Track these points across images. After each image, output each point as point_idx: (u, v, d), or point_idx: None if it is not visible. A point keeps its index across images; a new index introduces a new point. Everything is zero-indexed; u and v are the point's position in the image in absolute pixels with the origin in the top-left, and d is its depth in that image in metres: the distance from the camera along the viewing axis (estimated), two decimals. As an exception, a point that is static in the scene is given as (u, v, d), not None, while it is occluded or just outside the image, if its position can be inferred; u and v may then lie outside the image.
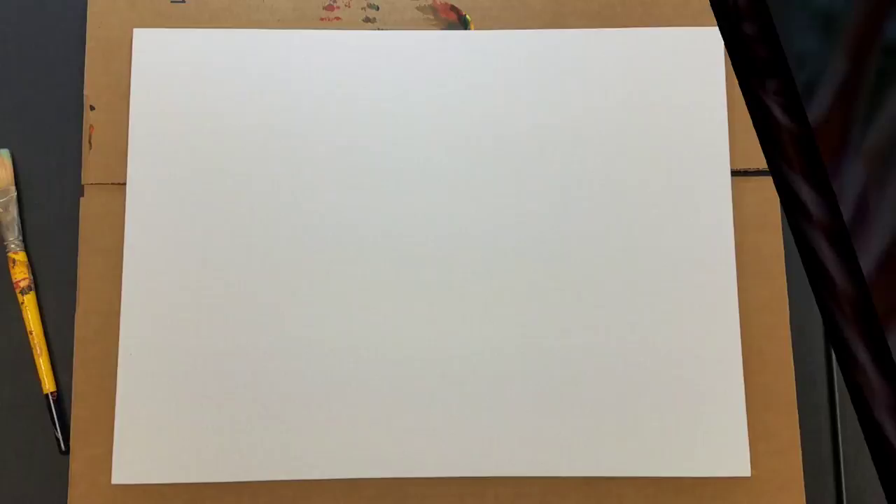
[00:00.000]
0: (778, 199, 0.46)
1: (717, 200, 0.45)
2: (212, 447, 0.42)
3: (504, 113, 0.46)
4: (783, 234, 0.45)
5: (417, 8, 0.48)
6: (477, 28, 0.47)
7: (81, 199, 0.45)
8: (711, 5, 0.22)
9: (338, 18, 0.47)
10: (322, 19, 0.47)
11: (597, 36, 0.47)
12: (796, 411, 0.44)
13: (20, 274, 0.44)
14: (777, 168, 0.22)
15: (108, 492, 0.42)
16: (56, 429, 0.44)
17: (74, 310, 0.44)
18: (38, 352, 0.44)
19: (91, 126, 0.45)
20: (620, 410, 0.43)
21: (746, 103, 0.22)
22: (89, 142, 0.45)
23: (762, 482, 0.43)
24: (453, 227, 0.44)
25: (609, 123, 0.45)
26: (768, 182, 0.46)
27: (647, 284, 0.44)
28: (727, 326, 0.44)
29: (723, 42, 0.46)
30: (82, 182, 0.45)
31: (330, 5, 0.47)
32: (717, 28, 0.46)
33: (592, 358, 0.43)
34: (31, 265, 0.45)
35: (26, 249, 0.45)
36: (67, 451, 0.43)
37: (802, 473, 0.43)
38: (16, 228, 0.45)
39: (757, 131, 0.22)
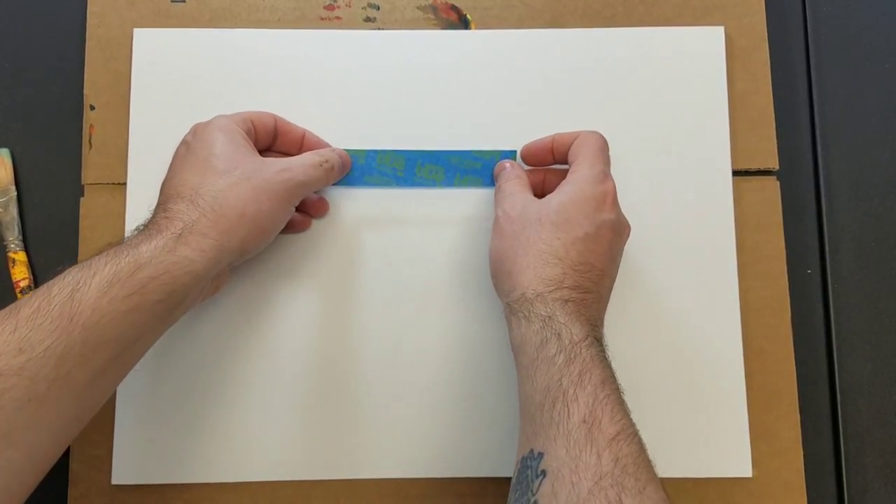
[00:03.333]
0: (779, 199, 0.46)
1: (718, 200, 0.45)
2: (212, 447, 0.42)
3: (504, 112, 0.46)
4: (784, 233, 0.45)
5: (418, 7, 0.47)
6: (477, 27, 0.47)
7: (81, 199, 0.45)
8: None
9: (338, 18, 0.47)
10: (322, 19, 0.47)
11: (597, 35, 0.46)
12: (798, 412, 0.44)
13: (20, 274, 0.44)
14: None
15: (108, 492, 0.42)
16: (56, 429, 0.44)
17: (74, 310, 0.44)
18: (38, 352, 0.44)
19: (91, 126, 0.45)
20: (621, 411, 0.43)
21: None
22: (89, 142, 0.45)
23: (764, 482, 0.43)
24: (453, 226, 0.44)
25: (610, 123, 0.45)
26: (769, 182, 0.46)
27: (648, 284, 0.44)
28: (729, 326, 0.44)
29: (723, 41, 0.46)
30: (82, 182, 0.45)
31: (330, 5, 0.47)
32: (718, 27, 0.46)
33: (593, 358, 0.43)
34: (31, 265, 0.45)
35: (26, 249, 0.45)
36: (67, 452, 0.43)
37: (804, 474, 0.43)
38: (16, 228, 0.45)
39: None
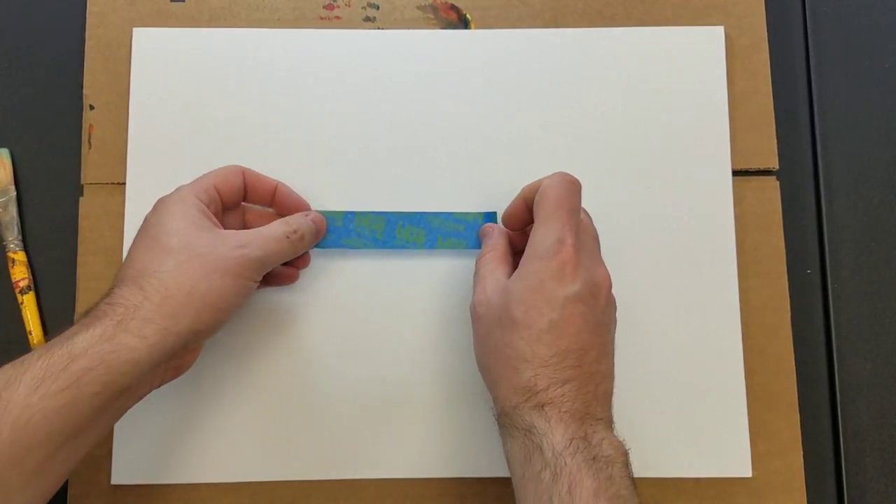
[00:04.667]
0: (779, 199, 0.46)
1: (718, 200, 0.45)
2: (211, 448, 0.42)
3: (504, 112, 0.46)
4: (784, 233, 0.45)
5: (417, 7, 0.47)
6: (477, 27, 0.47)
7: (81, 198, 0.45)
8: None
9: (338, 18, 0.47)
10: (322, 18, 0.47)
11: (597, 35, 0.46)
12: (797, 412, 0.44)
13: (19, 274, 0.44)
14: None
15: (108, 492, 0.42)
16: (55, 429, 0.43)
17: (74, 310, 0.44)
18: (38, 352, 0.44)
19: (90, 125, 0.45)
20: (621, 411, 0.42)
21: None
22: (88, 141, 0.45)
23: (763, 482, 0.43)
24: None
25: (609, 123, 0.45)
26: (769, 182, 0.46)
27: (648, 284, 0.44)
28: (728, 326, 0.44)
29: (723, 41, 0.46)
30: (82, 182, 0.45)
31: (330, 4, 0.47)
32: (718, 27, 0.46)
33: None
34: (31, 265, 0.45)
35: (26, 249, 0.45)
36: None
37: (803, 474, 0.43)
38: (15, 228, 0.45)
39: None
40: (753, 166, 0.46)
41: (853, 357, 0.45)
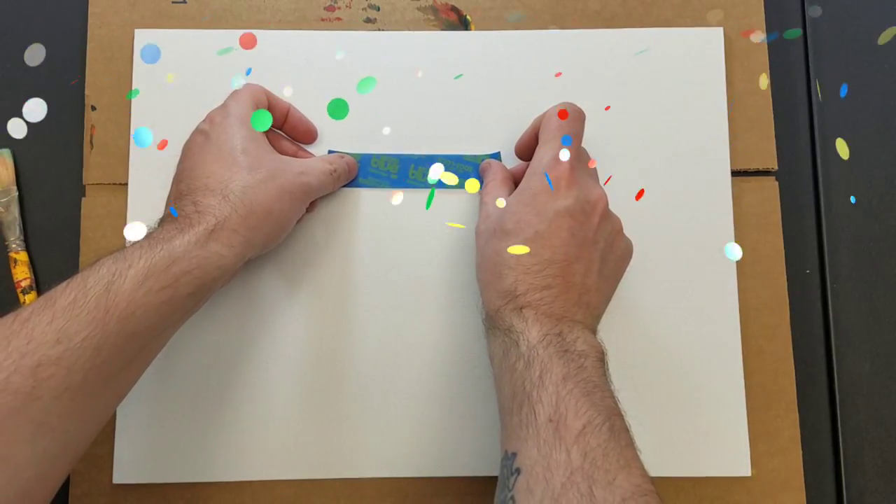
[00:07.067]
0: (778, 199, 0.46)
1: (717, 200, 0.45)
2: (212, 447, 0.42)
3: (504, 113, 0.46)
4: (783, 233, 0.45)
5: (418, 8, 0.48)
6: (477, 28, 0.47)
7: (83, 199, 0.45)
8: None
9: (338, 19, 0.47)
10: (323, 20, 0.47)
11: (597, 36, 0.47)
12: (797, 411, 0.44)
13: (22, 274, 0.45)
14: None
15: (109, 491, 0.42)
16: (57, 428, 0.44)
17: (75, 309, 0.44)
18: (40, 351, 0.44)
19: (92, 126, 0.46)
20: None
21: None
22: (90, 142, 0.45)
23: (763, 482, 0.43)
24: (446, 227, 0.45)
25: (609, 123, 0.46)
26: (768, 182, 0.46)
27: (647, 284, 0.44)
28: (728, 326, 0.44)
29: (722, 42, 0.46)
30: (84, 182, 0.45)
31: (331, 6, 0.47)
32: (717, 28, 0.46)
33: (593, 358, 0.43)
34: (33, 265, 0.45)
35: (28, 249, 0.45)
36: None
37: (803, 473, 0.43)
38: (17, 228, 0.45)
39: None
40: (752, 167, 0.46)
41: (852, 356, 0.45)
